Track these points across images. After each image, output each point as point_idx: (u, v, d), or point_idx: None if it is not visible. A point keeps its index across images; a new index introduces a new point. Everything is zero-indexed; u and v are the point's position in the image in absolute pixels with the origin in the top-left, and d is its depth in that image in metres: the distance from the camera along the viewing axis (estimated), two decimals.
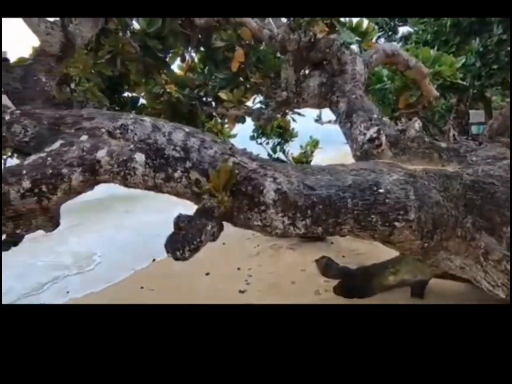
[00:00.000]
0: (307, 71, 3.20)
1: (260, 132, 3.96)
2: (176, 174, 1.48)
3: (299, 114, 3.58)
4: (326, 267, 3.49)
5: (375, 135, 1.97)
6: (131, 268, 4.25)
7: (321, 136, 5.37)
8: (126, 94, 3.06)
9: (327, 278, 3.38)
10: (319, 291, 3.06)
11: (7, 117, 1.55)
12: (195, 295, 3.40)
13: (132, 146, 1.48)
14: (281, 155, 4.30)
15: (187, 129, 1.64)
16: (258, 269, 3.87)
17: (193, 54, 3.78)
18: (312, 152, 4.60)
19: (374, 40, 3.82)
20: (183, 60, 3.59)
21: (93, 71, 2.60)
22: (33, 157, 1.34)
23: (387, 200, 1.57)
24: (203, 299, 3.15)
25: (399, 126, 1.99)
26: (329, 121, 5.47)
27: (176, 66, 3.51)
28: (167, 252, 1.29)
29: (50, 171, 1.31)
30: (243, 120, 3.29)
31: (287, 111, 3.53)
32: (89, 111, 1.62)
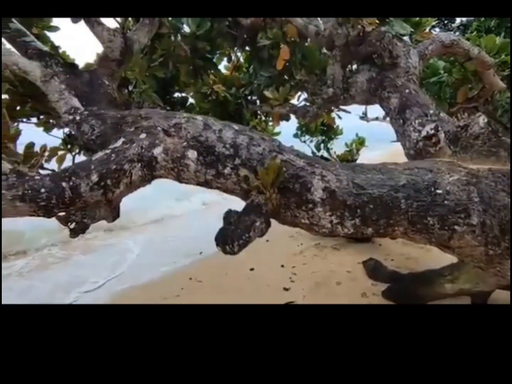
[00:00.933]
0: (354, 66, 3.10)
1: (304, 130, 3.91)
2: (226, 171, 1.53)
3: (344, 111, 3.47)
4: (374, 269, 3.34)
5: (432, 131, 1.84)
6: (173, 261, 4.48)
7: (366, 134, 5.15)
8: (176, 94, 3.21)
9: (375, 281, 3.24)
10: (366, 294, 2.94)
11: (77, 118, 1.71)
12: (241, 289, 3.47)
13: (185, 143, 1.55)
14: (325, 153, 4.19)
15: (236, 127, 1.68)
16: (302, 268, 3.83)
17: (239, 54, 3.86)
18: (358, 150, 4.42)
19: (427, 30, 3.56)
20: (229, 60, 3.68)
21: (147, 73, 2.77)
22: (99, 154, 1.47)
23: (446, 202, 1.46)
24: (248, 294, 3.21)
25: (460, 122, 1.84)
26: (376, 118, 5.21)
27: (222, 66, 3.61)
28: (217, 245, 1.33)
29: (114, 166, 1.43)
30: (287, 118, 3.28)
31: (332, 108, 3.44)
32: (147, 111, 1.73)
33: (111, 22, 2.35)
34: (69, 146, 2.12)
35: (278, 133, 3.58)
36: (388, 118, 2.77)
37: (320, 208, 1.47)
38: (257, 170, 1.50)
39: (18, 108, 1.94)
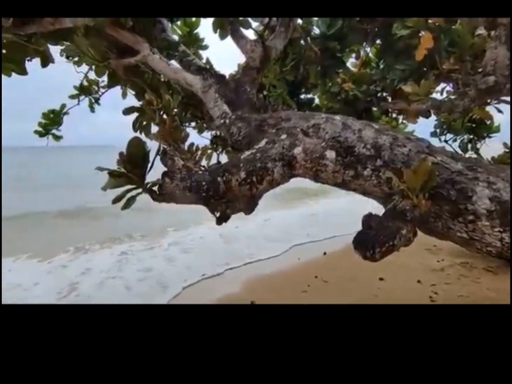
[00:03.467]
0: None
1: (445, 127, 3.34)
2: (366, 172, 1.46)
3: (507, 102, 2.80)
4: None
5: None
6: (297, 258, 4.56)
7: None
8: (302, 96, 3.29)
9: None
10: None
11: (227, 121, 1.96)
12: (370, 299, 3.27)
13: (323, 143, 1.56)
14: (473, 156, 3.47)
15: (377, 126, 1.59)
16: (445, 288, 3.26)
17: (367, 49, 3.64)
18: None
19: None
20: (357, 56, 3.52)
21: (278, 78, 2.93)
22: (246, 153, 1.64)
23: None
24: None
25: None
26: None
27: (349, 64, 3.48)
28: (355, 249, 1.29)
29: (259, 164, 1.57)
30: (427, 115, 2.90)
31: (489, 100, 2.84)
32: (286, 113, 1.83)
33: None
34: (214, 146, 2.46)
35: (411, 132, 3.20)
36: None
37: (486, 221, 1.23)
38: (402, 172, 1.37)
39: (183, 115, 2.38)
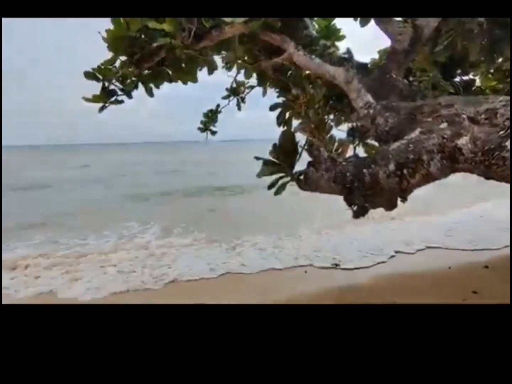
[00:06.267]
0: None
1: None
2: None
3: None
4: None
5: None
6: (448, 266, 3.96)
7: None
8: (456, 78, 2.80)
9: None
10: None
11: (371, 111, 1.88)
12: None
13: (502, 132, 1.30)
14: None
15: None
16: None
17: None
18: None
19: None
20: None
21: (429, 60, 2.58)
22: (396, 144, 1.54)
23: None
24: None
25: None
26: None
27: None
28: None
29: (412, 156, 1.45)
30: None
31: None
32: (447, 98, 1.61)
33: None
34: (351, 138, 2.40)
35: None
36: None
37: None
38: None
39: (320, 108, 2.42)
